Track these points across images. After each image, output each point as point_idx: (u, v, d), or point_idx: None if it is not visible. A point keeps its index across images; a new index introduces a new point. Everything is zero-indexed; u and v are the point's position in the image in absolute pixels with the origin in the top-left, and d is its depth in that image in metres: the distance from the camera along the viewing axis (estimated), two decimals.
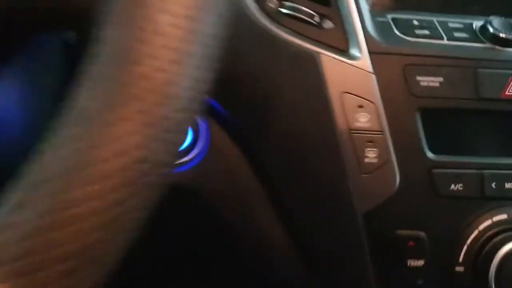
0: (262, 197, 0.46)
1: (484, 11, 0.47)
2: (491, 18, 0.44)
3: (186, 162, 0.47)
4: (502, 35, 0.43)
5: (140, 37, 0.22)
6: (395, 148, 0.43)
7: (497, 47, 0.44)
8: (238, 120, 0.44)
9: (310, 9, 0.43)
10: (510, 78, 0.43)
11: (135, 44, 0.22)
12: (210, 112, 0.46)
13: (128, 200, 0.21)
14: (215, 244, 0.49)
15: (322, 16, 0.43)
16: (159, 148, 0.22)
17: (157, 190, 0.23)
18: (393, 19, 0.44)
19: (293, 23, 0.43)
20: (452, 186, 0.43)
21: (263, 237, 0.47)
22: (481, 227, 0.44)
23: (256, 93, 0.43)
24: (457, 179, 0.43)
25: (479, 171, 0.44)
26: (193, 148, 0.47)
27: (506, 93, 0.43)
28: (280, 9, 0.43)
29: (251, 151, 0.45)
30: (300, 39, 0.42)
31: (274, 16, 0.43)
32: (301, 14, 0.43)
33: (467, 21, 0.45)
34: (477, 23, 0.45)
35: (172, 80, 0.22)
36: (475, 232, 0.44)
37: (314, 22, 0.43)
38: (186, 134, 0.42)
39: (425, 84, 0.42)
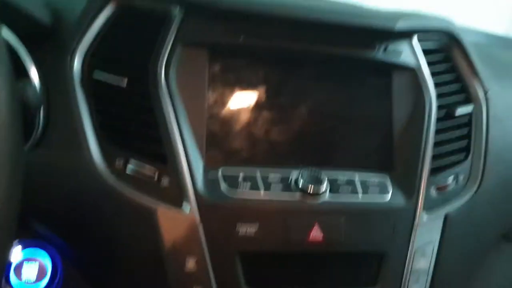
0: None
1: (301, 163, 0.57)
2: (303, 170, 0.55)
3: None
4: (309, 187, 0.54)
5: None
6: None
7: (306, 197, 0.54)
8: (88, 259, 0.52)
9: (151, 167, 0.52)
10: (314, 223, 0.53)
11: None
12: (64, 252, 0.53)
13: None
14: None
15: (161, 174, 0.52)
16: None
17: None
18: (223, 174, 0.54)
19: (136, 180, 0.51)
20: None
21: None
22: None
23: (102, 242, 0.51)
24: None
25: None
26: None
27: (310, 237, 0.53)
28: (126, 167, 0.52)
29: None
30: (142, 195, 0.51)
31: (121, 175, 0.51)
32: (143, 172, 0.52)
33: (286, 173, 0.55)
34: (292, 174, 0.55)
35: None
36: None
37: (154, 180, 0.52)
38: None
39: (244, 230, 0.52)
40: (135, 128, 0.52)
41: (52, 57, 0.53)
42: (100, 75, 0.52)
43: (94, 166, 0.50)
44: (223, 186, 0.53)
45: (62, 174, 0.51)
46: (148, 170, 0.51)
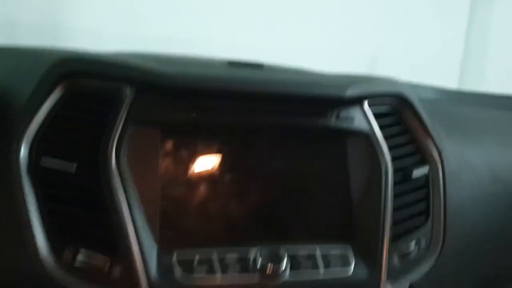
0: None
1: (260, 239, 0.56)
2: (261, 248, 0.53)
3: None
4: (268, 266, 0.52)
5: None
6: None
7: (265, 278, 0.52)
8: None
9: (101, 257, 0.49)
10: None
11: None
12: None
13: None
14: None
15: (112, 263, 0.50)
16: None
17: None
18: (178, 258, 0.52)
19: (86, 273, 0.49)
20: None
21: None
22: None
23: None
24: None
25: None
26: None
27: None
28: (75, 259, 0.49)
29: None
30: None
31: (69, 268, 0.49)
32: (93, 263, 0.49)
33: (244, 252, 0.53)
34: (251, 253, 0.53)
35: None
36: None
37: (105, 271, 0.49)
38: None
39: None
40: (84, 214, 0.50)
41: None
42: (48, 162, 0.50)
43: (41, 260, 0.48)
44: (177, 272, 0.51)
45: (4, 272, 0.48)
46: (98, 260, 0.49)
